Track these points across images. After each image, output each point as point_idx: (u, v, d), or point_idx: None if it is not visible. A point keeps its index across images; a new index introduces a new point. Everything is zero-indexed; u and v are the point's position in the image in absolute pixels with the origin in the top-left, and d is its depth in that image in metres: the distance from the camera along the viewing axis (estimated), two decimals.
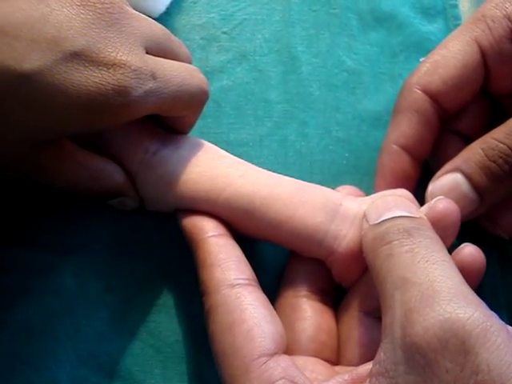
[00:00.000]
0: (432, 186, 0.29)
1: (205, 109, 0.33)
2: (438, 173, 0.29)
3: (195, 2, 0.37)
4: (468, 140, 0.30)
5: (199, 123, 0.33)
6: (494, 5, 0.29)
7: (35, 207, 0.30)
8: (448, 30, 0.37)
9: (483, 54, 0.29)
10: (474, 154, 0.28)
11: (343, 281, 0.28)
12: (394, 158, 0.30)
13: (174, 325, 0.29)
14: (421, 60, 0.36)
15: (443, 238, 0.24)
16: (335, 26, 0.37)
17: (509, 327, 0.21)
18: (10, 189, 0.30)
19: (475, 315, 0.19)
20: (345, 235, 0.27)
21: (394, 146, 0.30)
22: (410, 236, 0.23)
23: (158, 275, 0.30)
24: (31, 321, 0.28)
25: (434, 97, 0.30)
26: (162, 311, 0.29)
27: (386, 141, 0.31)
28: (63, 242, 0.30)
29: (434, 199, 0.27)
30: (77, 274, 0.29)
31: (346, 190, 0.30)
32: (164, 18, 0.36)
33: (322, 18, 0.37)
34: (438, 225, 0.25)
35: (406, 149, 0.30)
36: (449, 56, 0.30)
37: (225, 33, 0.36)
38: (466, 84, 0.30)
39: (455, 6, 0.38)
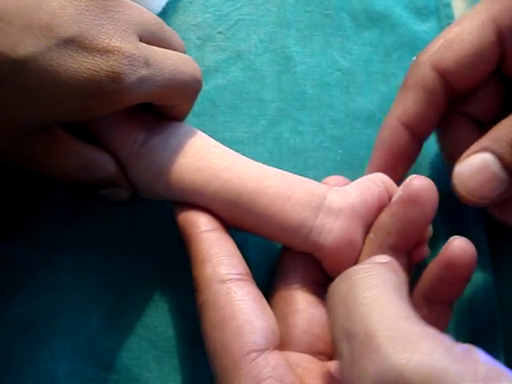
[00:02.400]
0: (459, 168, 0.28)
1: (200, 107, 0.33)
2: (465, 154, 0.28)
3: (191, 2, 0.37)
4: (479, 123, 0.30)
5: (194, 121, 0.33)
6: None
7: (32, 203, 0.30)
8: (441, 30, 0.38)
9: (499, 33, 0.28)
10: (506, 132, 0.27)
11: (333, 274, 0.28)
12: (394, 134, 0.30)
13: (170, 320, 0.29)
14: (413, 59, 0.36)
15: (422, 216, 0.25)
16: (329, 26, 0.38)
17: (461, 348, 0.19)
18: (7, 185, 0.30)
19: (414, 359, 0.18)
20: (330, 229, 0.27)
21: (395, 122, 0.30)
22: (346, 277, 0.22)
23: (154, 271, 0.30)
24: (28, 316, 0.28)
25: (444, 75, 0.29)
26: (158, 306, 0.30)
27: (388, 116, 0.30)
28: (60, 237, 0.30)
29: (409, 177, 0.26)
30: (74, 269, 0.29)
31: (334, 180, 0.30)
32: (160, 18, 0.36)
33: (315, 19, 0.38)
34: (416, 202, 0.25)
35: (407, 126, 0.30)
36: (464, 33, 0.29)
37: (220, 33, 0.37)
38: (480, 63, 0.29)
39: (448, 5, 0.39)
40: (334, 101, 0.35)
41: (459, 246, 0.26)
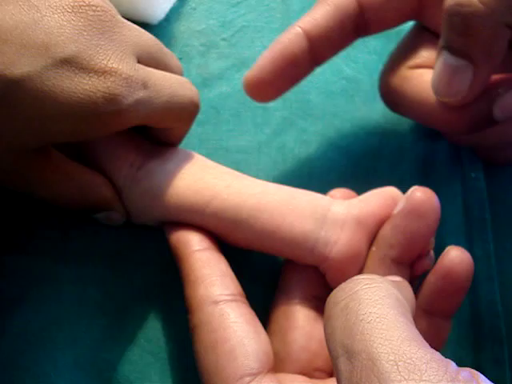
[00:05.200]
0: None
1: (204, 115, 0.33)
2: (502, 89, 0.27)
3: (194, 9, 0.37)
4: None
5: (198, 130, 0.33)
6: None
7: (34, 214, 0.30)
8: None
9: None
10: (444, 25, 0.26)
11: (336, 287, 0.28)
12: (292, 39, 0.29)
13: (172, 331, 0.29)
14: None
15: (425, 229, 0.25)
16: None
17: (465, 376, 0.17)
18: (9, 196, 0.30)
19: None
20: (335, 241, 0.27)
21: (298, 29, 0.29)
22: (348, 286, 0.20)
23: (156, 282, 0.30)
24: (30, 327, 0.28)
25: (362, 4, 0.29)
26: (161, 318, 0.29)
27: (294, 24, 0.30)
28: (62, 249, 0.29)
29: (411, 189, 0.26)
30: (75, 281, 0.29)
31: (339, 192, 0.30)
32: (163, 25, 0.36)
33: None
34: (418, 214, 0.25)
35: (309, 36, 0.29)
36: None
37: (224, 39, 0.36)
38: (400, 6, 0.30)
39: None
40: (339, 110, 0.35)
41: (456, 255, 0.26)
